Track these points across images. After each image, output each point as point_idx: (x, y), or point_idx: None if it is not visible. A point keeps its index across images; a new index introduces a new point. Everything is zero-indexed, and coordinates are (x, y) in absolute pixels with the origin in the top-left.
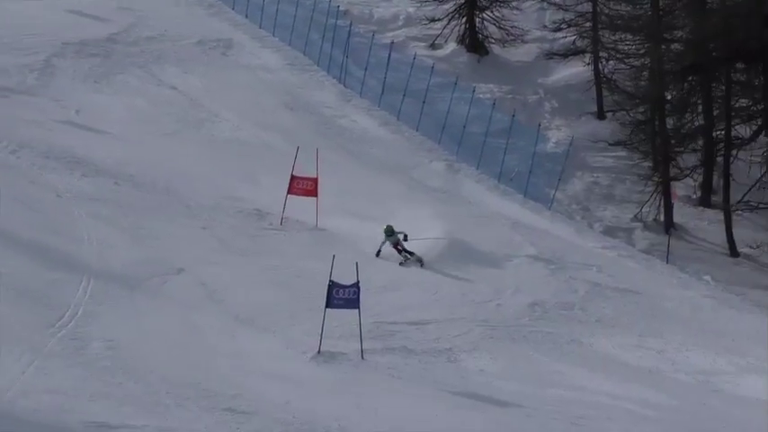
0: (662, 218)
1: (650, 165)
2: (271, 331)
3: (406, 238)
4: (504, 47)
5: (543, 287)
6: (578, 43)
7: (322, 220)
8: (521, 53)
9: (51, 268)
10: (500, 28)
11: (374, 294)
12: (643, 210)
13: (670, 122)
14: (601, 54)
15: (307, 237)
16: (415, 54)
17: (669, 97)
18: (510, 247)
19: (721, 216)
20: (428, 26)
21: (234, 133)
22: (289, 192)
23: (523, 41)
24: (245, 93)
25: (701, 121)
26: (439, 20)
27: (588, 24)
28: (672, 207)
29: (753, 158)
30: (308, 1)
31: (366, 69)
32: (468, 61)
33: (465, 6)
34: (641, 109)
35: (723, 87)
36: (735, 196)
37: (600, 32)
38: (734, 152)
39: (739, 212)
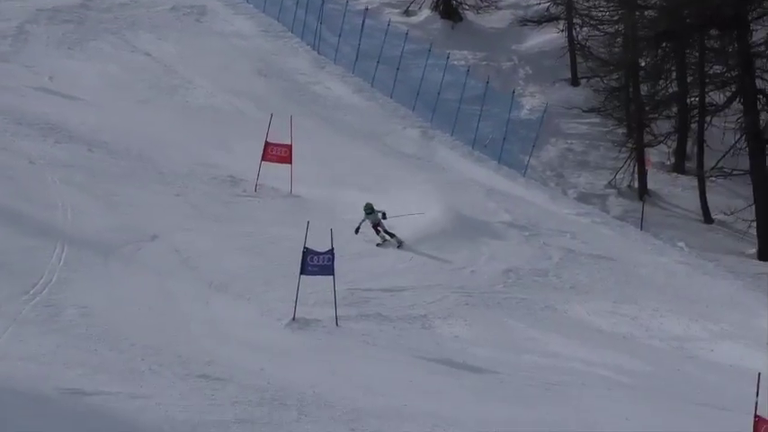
0: (636, 184)
1: (624, 131)
2: (245, 298)
3: (384, 216)
4: (479, 13)
5: (518, 254)
6: (552, 10)
7: (296, 186)
8: (495, 20)
9: (25, 235)
10: None
11: (349, 261)
12: (617, 176)
13: (644, 89)
14: (575, 20)
15: (281, 203)
16: (389, 21)
17: (643, 64)
18: (485, 213)
19: (695, 182)
20: None
21: (207, 100)
22: (263, 158)
23: (497, 8)
24: (219, 59)
25: (675, 88)
26: None
27: None
28: (646, 174)
29: (727, 125)
30: None
31: (340, 36)
32: (443, 28)
33: None
34: (615, 76)
35: (697, 54)
36: (709, 163)
37: None
38: (708, 119)
39: (713, 179)
